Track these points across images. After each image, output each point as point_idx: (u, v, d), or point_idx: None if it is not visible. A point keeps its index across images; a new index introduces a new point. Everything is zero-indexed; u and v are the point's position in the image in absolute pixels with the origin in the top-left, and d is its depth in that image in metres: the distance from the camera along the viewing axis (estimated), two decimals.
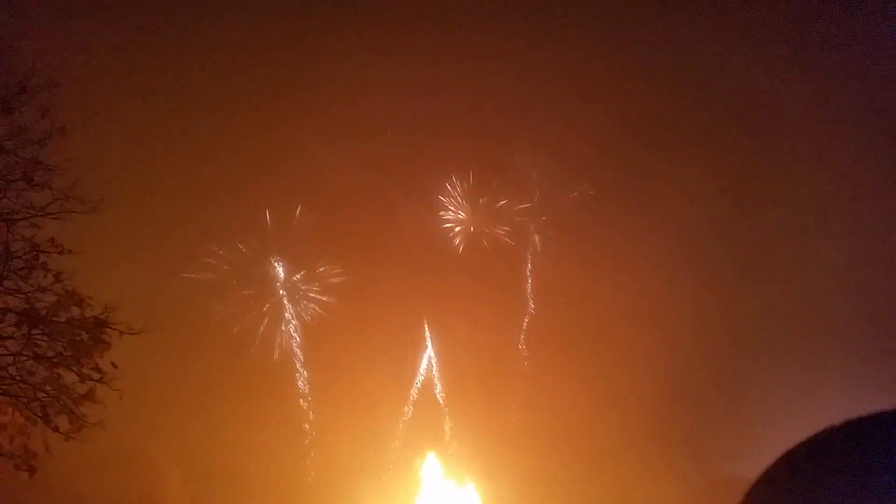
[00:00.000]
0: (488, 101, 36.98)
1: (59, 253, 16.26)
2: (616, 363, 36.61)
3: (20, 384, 16.00)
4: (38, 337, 16.03)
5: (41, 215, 16.40)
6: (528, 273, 38.07)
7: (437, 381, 37.17)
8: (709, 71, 36.06)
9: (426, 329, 37.40)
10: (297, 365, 36.29)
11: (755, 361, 36.92)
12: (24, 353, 16.00)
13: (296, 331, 36.22)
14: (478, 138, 37.45)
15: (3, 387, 15.95)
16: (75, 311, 16.19)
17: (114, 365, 16.33)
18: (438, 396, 37.11)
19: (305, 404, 36.16)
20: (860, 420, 4.07)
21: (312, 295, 36.45)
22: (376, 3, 38.28)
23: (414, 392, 37.05)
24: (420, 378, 37.13)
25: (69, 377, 16.13)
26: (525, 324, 38.22)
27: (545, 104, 36.93)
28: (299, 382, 36.24)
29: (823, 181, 36.37)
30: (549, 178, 37.54)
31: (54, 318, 16.09)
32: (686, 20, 35.83)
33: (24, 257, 16.16)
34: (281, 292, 36.46)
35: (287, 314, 36.34)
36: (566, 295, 37.87)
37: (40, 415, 15.86)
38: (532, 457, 35.22)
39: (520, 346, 38.03)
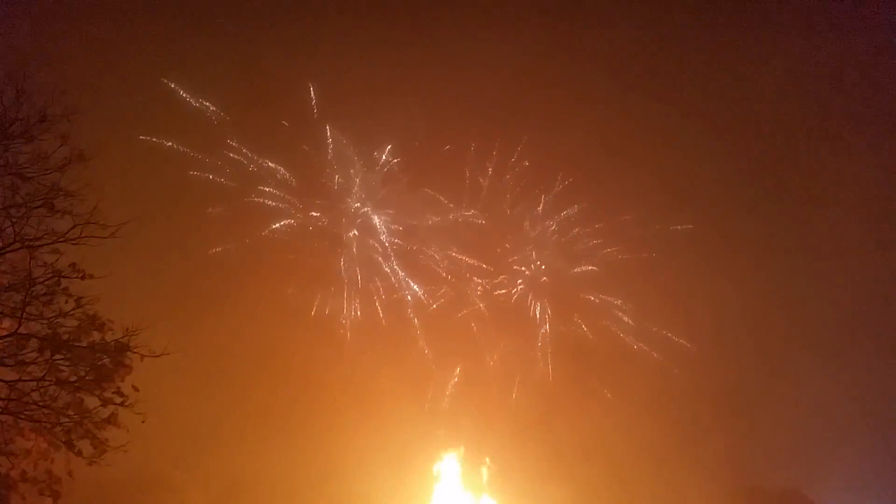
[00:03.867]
0: None
1: (80, 278, 16.35)
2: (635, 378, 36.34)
3: (43, 409, 16.04)
4: (61, 362, 16.09)
5: (62, 241, 16.52)
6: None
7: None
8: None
9: None
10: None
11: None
12: (47, 378, 16.05)
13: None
14: None
15: (27, 412, 16.00)
16: (97, 336, 16.26)
17: (135, 388, 16.36)
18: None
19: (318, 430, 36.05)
20: None
21: None
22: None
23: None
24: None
25: (91, 402, 16.17)
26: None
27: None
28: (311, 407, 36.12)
29: None
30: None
31: (76, 343, 16.15)
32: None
33: (45, 283, 16.27)
34: None
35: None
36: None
37: (63, 440, 15.90)
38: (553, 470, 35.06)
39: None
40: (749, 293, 37.40)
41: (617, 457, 35.30)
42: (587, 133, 37.47)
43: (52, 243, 16.48)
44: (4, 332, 15.96)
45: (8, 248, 16.21)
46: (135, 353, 16.36)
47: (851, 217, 36.96)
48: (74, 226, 16.51)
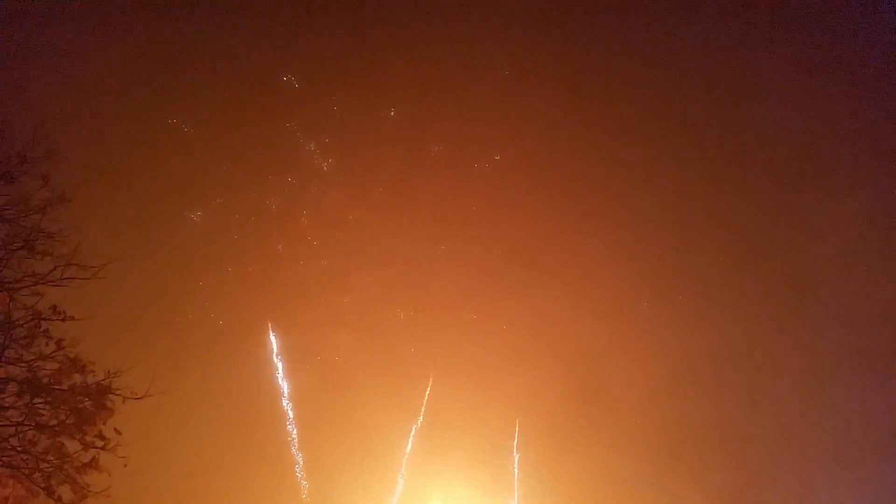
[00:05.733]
0: None
1: (61, 320, 16.17)
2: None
3: (22, 455, 15.72)
4: (40, 406, 15.83)
5: (43, 283, 16.36)
6: None
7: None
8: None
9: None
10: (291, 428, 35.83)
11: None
12: (26, 423, 15.76)
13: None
14: None
15: (5, 458, 15.66)
16: (77, 378, 16.04)
17: (117, 431, 16.09)
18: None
19: (302, 473, 35.62)
20: None
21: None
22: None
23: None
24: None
25: (72, 446, 15.89)
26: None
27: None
28: (293, 448, 35.72)
29: None
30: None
31: (56, 386, 15.91)
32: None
33: (25, 325, 16.07)
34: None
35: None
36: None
37: (42, 486, 15.56)
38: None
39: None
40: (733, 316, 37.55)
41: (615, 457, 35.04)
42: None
43: (32, 285, 16.32)
44: None
45: None
46: (117, 395, 16.13)
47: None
48: (55, 267, 16.40)
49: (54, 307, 16.22)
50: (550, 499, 35.29)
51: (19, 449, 15.61)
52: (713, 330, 36.36)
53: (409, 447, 36.22)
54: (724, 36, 37.80)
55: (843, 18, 37.34)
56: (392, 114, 37.78)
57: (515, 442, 36.43)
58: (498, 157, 37.80)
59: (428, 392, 36.76)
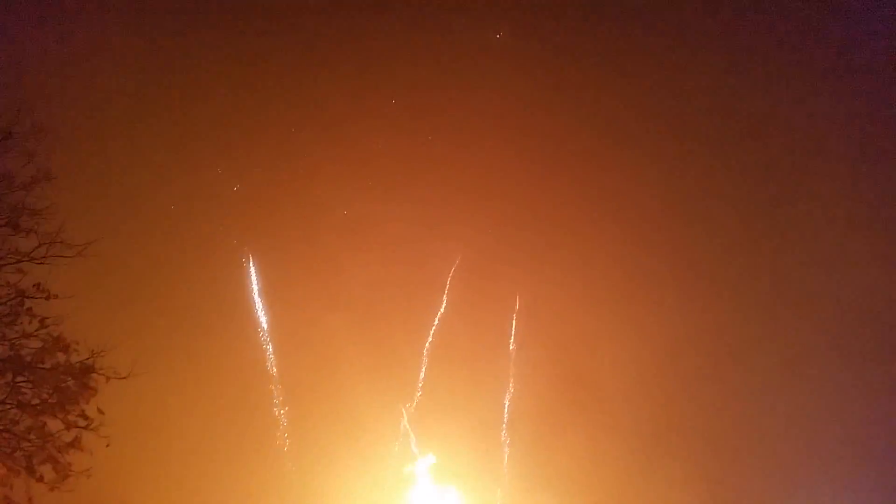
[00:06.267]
0: None
1: (45, 298, 16.04)
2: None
3: (3, 434, 15.63)
4: (23, 384, 15.72)
5: (27, 260, 16.21)
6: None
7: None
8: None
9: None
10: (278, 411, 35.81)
11: None
12: (8, 401, 15.66)
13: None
14: None
15: None
16: (61, 357, 15.91)
17: (100, 411, 16.02)
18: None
19: (289, 457, 35.64)
20: None
21: None
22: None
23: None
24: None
25: (54, 425, 15.79)
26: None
27: None
28: (281, 431, 35.70)
29: None
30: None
31: (39, 365, 15.80)
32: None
33: (8, 303, 15.93)
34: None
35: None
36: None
37: (24, 465, 15.48)
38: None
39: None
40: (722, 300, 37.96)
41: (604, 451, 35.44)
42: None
43: (15, 262, 16.16)
44: None
45: None
46: (100, 374, 16.04)
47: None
48: (40, 245, 16.24)
49: (38, 285, 16.09)
50: (539, 480, 35.67)
51: (0, 428, 15.53)
52: (701, 319, 36.84)
53: (401, 428, 36.52)
54: (718, 39, 37.99)
55: (831, 24, 37.60)
56: (393, 102, 37.76)
57: (504, 424, 36.83)
58: (492, 147, 37.77)
59: (422, 376, 37.03)
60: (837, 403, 35.65)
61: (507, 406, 36.91)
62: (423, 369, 37.03)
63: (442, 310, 37.47)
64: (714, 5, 38.20)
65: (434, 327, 37.42)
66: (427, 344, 37.19)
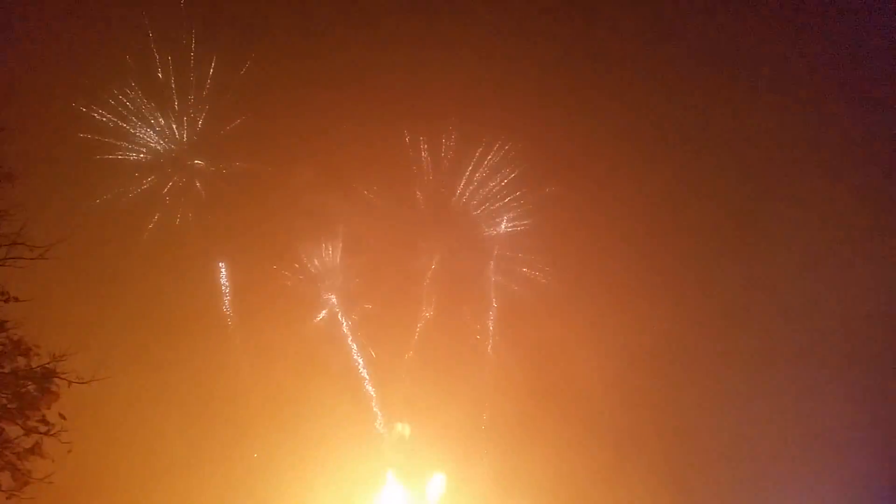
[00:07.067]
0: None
1: (4, 301, 15.71)
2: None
3: None
4: None
5: None
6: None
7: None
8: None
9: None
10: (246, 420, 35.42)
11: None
12: None
13: None
14: None
15: None
16: (21, 361, 15.59)
17: (62, 416, 15.71)
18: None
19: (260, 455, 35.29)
20: None
21: None
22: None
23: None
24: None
25: (13, 431, 15.45)
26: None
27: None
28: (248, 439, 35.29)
29: None
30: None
31: None
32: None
33: None
34: None
35: None
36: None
37: None
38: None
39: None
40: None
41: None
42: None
43: None
44: None
45: None
46: (62, 379, 15.73)
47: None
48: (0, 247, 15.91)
49: None
50: (517, 485, 35.81)
51: None
52: (677, 325, 37.37)
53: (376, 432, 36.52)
54: (712, 42, 38.50)
55: (820, 27, 38.33)
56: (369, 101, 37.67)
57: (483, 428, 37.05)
58: (480, 151, 37.86)
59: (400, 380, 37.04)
60: (812, 407, 36.35)
61: (484, 412, 37.21)
62: (402, 373, 37.11)
63: (422, 314, 37.61)
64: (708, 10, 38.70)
65: (416, 331, 37.53)
66: (407, 350, 37.33)
